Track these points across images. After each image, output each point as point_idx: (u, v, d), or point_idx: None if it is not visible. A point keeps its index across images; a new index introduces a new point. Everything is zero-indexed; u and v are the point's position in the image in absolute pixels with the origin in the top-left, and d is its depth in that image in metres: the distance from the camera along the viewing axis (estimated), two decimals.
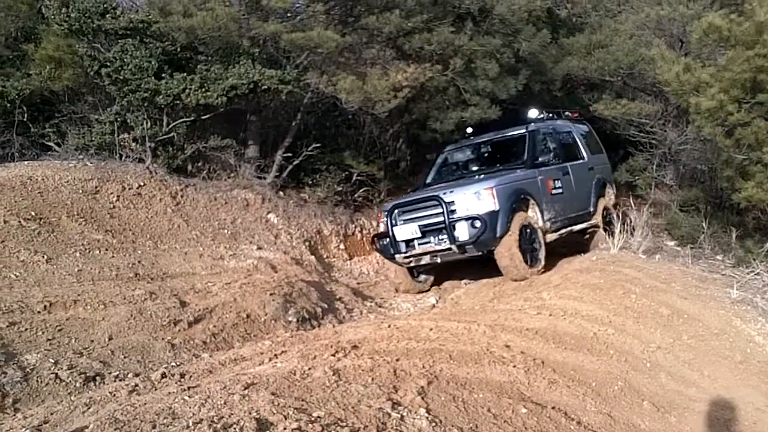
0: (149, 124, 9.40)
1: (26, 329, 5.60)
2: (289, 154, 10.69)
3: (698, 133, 10.12)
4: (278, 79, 9.34)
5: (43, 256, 6.93)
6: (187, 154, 9.92)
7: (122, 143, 9.41)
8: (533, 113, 10.35)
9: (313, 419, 3.55)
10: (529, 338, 5.54)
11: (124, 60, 9.04)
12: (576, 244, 10.00)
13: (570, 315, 6.23)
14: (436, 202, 8.51)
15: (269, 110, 11.20)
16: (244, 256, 8.47)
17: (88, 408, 4.10)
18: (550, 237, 9.18)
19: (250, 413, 3.53)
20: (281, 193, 10.59)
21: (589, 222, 10.28)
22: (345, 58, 10.51)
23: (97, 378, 5.10)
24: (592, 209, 10.45)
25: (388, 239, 8.86)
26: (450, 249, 8.45)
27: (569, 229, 9.71)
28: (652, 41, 11.60)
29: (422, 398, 4.09)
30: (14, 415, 4.38)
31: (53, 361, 5.14)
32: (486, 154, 10.31)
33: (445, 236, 8.41)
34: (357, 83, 9.45)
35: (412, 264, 8.99)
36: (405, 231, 8.70)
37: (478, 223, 8.23)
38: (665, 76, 9.30)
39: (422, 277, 9.46)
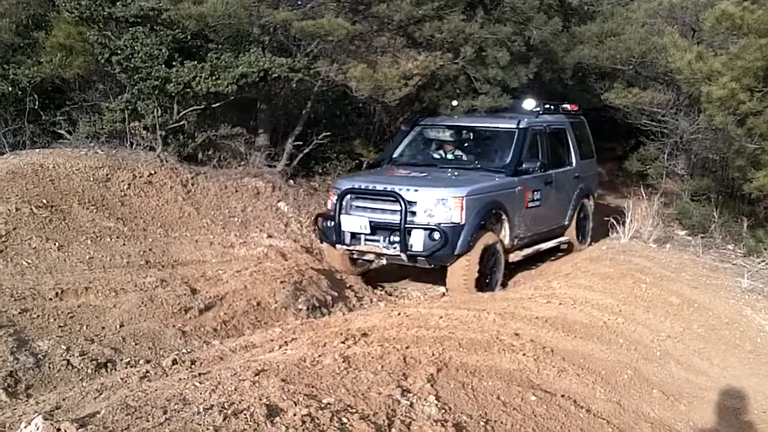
0: (160, 112, 9.40)
1: (38, 316, 5.65)
2: (300, 143, 10.68)
3: (710, 122, 10.03)
4: (288, 67, 9.30)
5: (55, 244, 6.98)
6: (197, 143, 9.92)
7: (133, 131, 9.42)
8: (528, 104, 9.60)
9: (323, 406, 3.57)
10: (539, 326, 5.54)
11: (135, 48, 9.03)
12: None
13: (580, 304, 6.23)
14: (394, 199, 7.50)
15: (279, 98, 11.17)
16: (254, 244, 8.49)
17: (100, 394, 4.13)
18: (514, 257, 8.34)
19: (260, 399, 3.55)
20: (291, 181, 10.60)
21: (560, 239, 9.56)
22: (355, 46, 10.47)
23: (109, 364, 5.14)
24: (566, 222, 9.68)
25: (333, 224, 7.86)
26: (399, 256, 7.58)
27: (537, 248, 8.91)
28: (665, 29, 11.48)
29: (432, 385, 4.10)
30: (27, 400, 4.43)
31: (65, 348, 5.19)
32: (465, 143, 9.25)
33: (397, 240, 7.47)
34: (367, 71, 9.39)
35: (353, 256, 8.19)
36: (353, 222, 7.72)
37: (436, 236, 7.31)
38: (677, 64, 9.21)
39: (360, 261, 8.43)
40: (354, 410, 3.60)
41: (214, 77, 9.11)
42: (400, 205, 7.40)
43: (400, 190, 7.54)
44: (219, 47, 9.68)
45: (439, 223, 7.36)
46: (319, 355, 4.45)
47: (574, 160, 9.92)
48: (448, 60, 10.21)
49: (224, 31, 9.52)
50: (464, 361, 4.60)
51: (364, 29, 10.08)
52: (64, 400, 4.10)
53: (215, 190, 9.32)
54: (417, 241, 7.41)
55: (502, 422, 3.86)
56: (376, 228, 7.66)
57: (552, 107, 9.91)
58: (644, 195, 10.54)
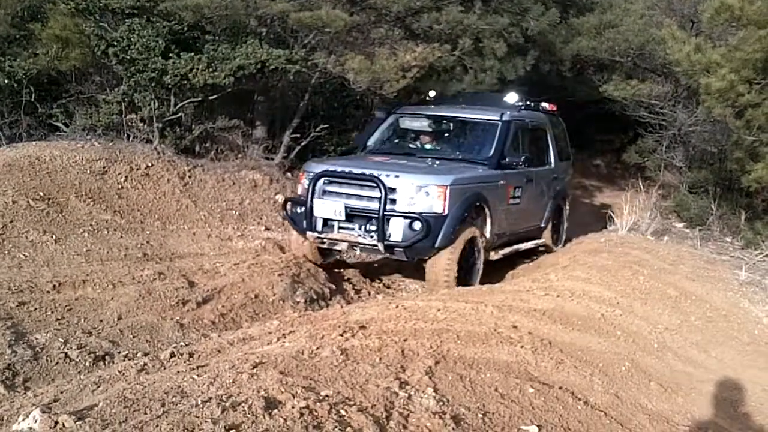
0: (157, 104, 9.38)
1: (36, 309, 5.63)
2: (297, 135, 10.68)
3: (708, 114, 10.04)
4: (286, 59, 9.27)
5: (52, 236, 6.96)
6: (194, 135, 9.92)
7: (130, 123, 9.41)
8: (511, 98, 9.13)
9: (321, 398, 3.56)
10: (537, 319, 5.54)
11: (131, 39, 8.99)
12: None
13: (578, 296, 6.23)
14: (374, 184, 6.90)
15: (277, 91, 11.15)
16: (251, 236, 8.48)
17: (98, 387, 4.12)
18: (494, 254, 7.97)
19: (258, 392, 3.54)
20: (289, 174, 10.58)
21: (537, 241, 9.26)
22: (353, 38, 10.44)
23: (107, 357, 5.13)
24: (543, 224, 9.37)
25: (303, 209, 7.24)
26: (375, 246, 7.00)
27: (515, 248, 8.57)
28: (663, 21, 11.49)
29: (430, 378, 4.10)
30: (24, 393, 4.42)
31: (63, 341, 5.17)
32: (446, 133, 8.74)
33: (374, 229, 6.91)
34: (365, 63, 9.36)
35: (324, 245, 7.53)
36: (327, 208, 7.08)
37: (417, 225, 6.78)
38: (676, 56, 9.21)
39: (329, 252, 7.86)
40: (352, 402, 3.59)
41: (211, 69, 9.08)
42: (380, 191, 6.84)
43: (379, 174, 6.98)
44: (216, 39, 9.65)
45: (421, 212, 6.85)
46: (317, 348, 4.44)
47: (552, 160, 9.68)
48: (445, 51, 10.19)
49: (221, 22, 9.51)
50: (462, 354, 4.60)
51: (361, 21, 10.05)
52: (61, 392, 4.08)
53: (212, 182, 9.31)
54: (396, 230, 6.89)
55: (500, 414, 3.85)
56: (351, 215, 7.07)
57: (532, 104, 9.44)
58: (642, 187, 10.55)
